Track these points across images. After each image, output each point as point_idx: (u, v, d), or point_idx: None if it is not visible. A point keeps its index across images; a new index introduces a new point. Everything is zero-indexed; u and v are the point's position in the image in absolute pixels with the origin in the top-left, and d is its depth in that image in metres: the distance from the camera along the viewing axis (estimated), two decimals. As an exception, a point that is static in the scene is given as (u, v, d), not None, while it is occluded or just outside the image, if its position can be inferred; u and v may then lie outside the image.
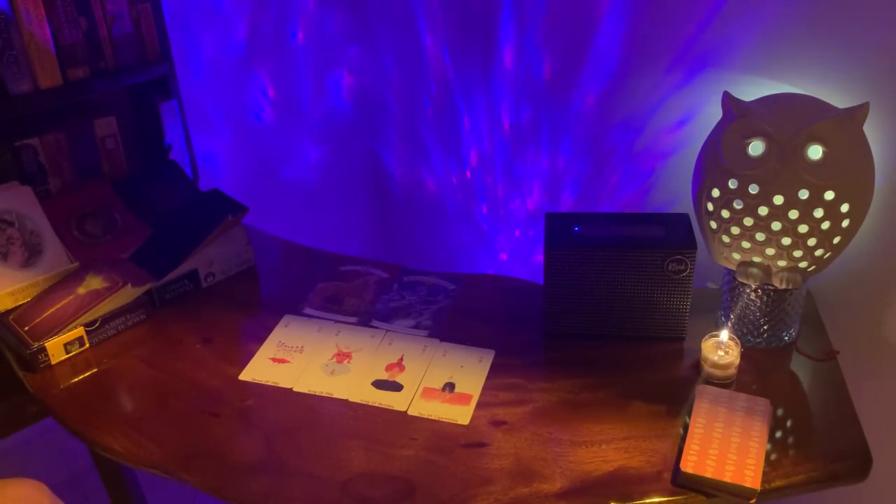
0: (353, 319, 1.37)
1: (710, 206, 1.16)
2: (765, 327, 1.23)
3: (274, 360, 1.28)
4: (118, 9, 1.48)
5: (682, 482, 1.01)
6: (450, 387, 1.21)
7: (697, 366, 1.20)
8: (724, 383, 1.17)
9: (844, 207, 1.09)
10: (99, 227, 1.50)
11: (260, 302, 1.46)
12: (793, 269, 1.16)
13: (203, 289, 1.46)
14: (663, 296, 1.24)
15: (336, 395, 1.20)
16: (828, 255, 1.14)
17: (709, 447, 1.04)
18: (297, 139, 2.05)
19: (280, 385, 1.23)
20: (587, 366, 1.23)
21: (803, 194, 1.08)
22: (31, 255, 1.39)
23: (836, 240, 1.12)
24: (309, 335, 1.33)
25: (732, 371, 1.17)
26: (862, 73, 1.20)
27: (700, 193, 1.18)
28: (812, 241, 1.11)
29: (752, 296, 1.21)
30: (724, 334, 1.19)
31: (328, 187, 2.16)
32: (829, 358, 1.21)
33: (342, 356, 1.28)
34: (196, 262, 1.44)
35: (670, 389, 1.18)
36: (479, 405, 1.17)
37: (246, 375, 1.25)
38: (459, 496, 1.02)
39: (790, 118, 1.10)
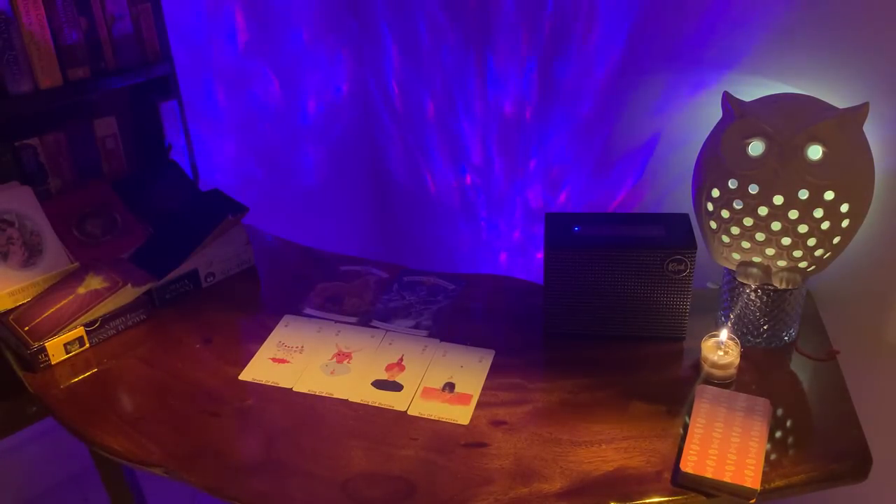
0: (353, 319, 1.37)
1: (710, 206, 1.16)
2: (765, 327, 1.23)
3: (274, 360, 1.28)
4: (118, 9, 1.48)
5: (682, 482, 1.01)
6: (450, 387, 1.21)
7: (697, 366, 1.20)
8: (723, 383, 1.17)
9: (844, 207, 1.09)
10: (99, 227, 1.50)
11: (260, 302, 1.46)
12: (793, 269, 1.16)
13: (203, 289, 1.46)
14: (663, 296, 1.24)
15: (336, 395, 1.20)
16: (828, 255, 1.14)
17: (709, 447, 1.04)
18: (297, 139, 2.05)
19: (280, 385, 1.23)
20: (587, 366, 1.23)
21: (803, 194, 1.08)
22: (31, 255, 1.39)
23: (836, 240, 1.12)
24: (309, 335, 1.33)
25: (732, 371, 1.17)
26: (862, 73, 1.20)
27: (700, 193, 1.18)
28: (812, 241, 1.11)
29: (752, 296, 1.21)
30: (724, 334, 1.19)
31: (328, 187, 2.16)
32: (829, 358, 1.21)
33: (342, 356, 1.28)
34: (196, 262, 1.44)
35: (670, 389, 1.18)
36: (479, 405, 1.17)
37: (246, 375, 1.25)
38: (459, 496, 1.02)
39: (790, 118, 1.10)
